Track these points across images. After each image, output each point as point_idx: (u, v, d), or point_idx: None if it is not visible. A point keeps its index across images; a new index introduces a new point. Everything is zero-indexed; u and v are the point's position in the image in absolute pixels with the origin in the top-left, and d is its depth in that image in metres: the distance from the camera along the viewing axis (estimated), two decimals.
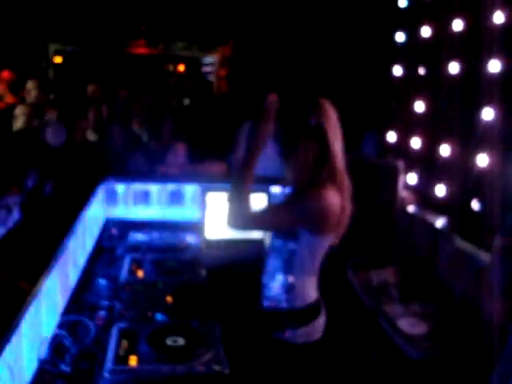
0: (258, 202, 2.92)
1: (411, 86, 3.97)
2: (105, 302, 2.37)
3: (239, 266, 2.75)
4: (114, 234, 3.23)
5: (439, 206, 3.53)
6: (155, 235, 3.30)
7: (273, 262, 2.12)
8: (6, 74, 5.44)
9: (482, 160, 3.13)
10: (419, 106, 3.84)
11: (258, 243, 3.02)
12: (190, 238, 3.26)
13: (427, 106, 3.79)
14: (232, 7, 6.64)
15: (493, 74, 3.06)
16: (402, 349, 2.49)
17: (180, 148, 4.46)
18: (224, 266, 2.82)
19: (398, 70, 4.13)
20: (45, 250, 2.16)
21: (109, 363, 1.85)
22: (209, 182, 3.45)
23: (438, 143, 3.57)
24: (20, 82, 5.29)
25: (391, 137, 4.22)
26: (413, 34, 3.94)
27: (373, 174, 2.07)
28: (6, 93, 5.34)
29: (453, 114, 3.48)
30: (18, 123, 4.33)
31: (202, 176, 3.77)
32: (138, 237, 3.25)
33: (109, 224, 3.39)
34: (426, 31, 3.78)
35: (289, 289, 2.06)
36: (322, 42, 5.91)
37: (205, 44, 7.22)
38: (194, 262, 2.84)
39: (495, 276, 1.64)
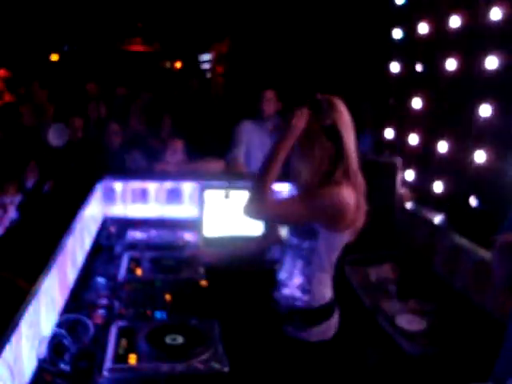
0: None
1: (408, 83, 3.97)
2: (103, 301, 2.38)
3: (238, 264, 2.75)
4: (113, 232, 3.22)
5: (437, 203, 3.53)
6: (153, 233, 3.30)
7: (289, 260, 2.14)
8: (1, 72, 5.43)
9: (480, 156, 3.14)
10: (416, 103, 3.84)
11: (257, 240, 3.02)
12: (189, 236, 3.27)
13: (424, 103, 3.78)
14: (228, 4, 6.63)
15: (490, 71, 3.07)
16: (400, 345, 2.49)
17: (178, 145, 4.45)
18: (223, 263, 2.82)
19: (395, 67, 4.13)
20: (43, 249, 2.16)
21: (108, 362, 1.85)
22: (207, 179, 3.45)
23: (436, 140, 3.57)
24: (16, 80, 5.28)
25: (388, 133, 4.21)
26: (410, 30, 3.93)
27: (371, 171, 2.08)
28: (3, 91, 5.33)
29: (450, 111, 3.48)
30: (20, 121, 4.32)
31: (200, 173, 3.76)
32: (137, 235, 3.26)
33: (107, 222, 3.38)
34: (423, 28, 3.78)
35: (305, 287, 2.08)
36: (319, 39, 5.90)
37: (201, 42, 7.21)
38: (192, 260, 2.84)
39: (497, 272, 1.64)
